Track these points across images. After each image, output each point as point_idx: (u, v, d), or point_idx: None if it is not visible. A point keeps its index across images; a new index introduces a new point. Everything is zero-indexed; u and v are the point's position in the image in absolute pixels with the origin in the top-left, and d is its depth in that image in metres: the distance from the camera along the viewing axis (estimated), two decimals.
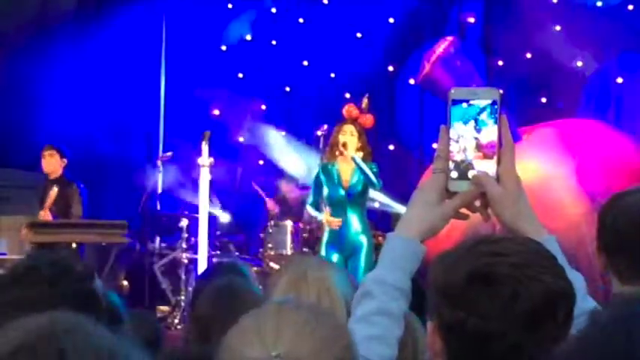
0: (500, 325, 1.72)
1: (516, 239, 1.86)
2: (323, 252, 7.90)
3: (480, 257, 1.77)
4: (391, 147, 11.50)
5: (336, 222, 7.93)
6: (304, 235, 9.94)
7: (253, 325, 1.59)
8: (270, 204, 10.56)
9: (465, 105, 1.96)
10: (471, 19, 11.44)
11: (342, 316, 2.48)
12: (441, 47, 10.32)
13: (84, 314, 2.08)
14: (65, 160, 9.16)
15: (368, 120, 8.26)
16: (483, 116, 1.95)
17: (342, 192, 8.05)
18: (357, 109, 8.32)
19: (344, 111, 8.37)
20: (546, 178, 7.98)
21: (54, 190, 8.92)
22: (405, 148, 11.37)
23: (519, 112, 10.65)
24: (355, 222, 7.98)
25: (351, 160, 7.95)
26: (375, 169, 7.92)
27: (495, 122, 1.95)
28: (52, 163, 9.11)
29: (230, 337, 1.62)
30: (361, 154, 7.98)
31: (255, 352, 1.54)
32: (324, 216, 8.09)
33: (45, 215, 8.97)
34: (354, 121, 8.15)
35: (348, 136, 8.00)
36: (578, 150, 8.18)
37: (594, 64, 10.74)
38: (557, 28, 10.97)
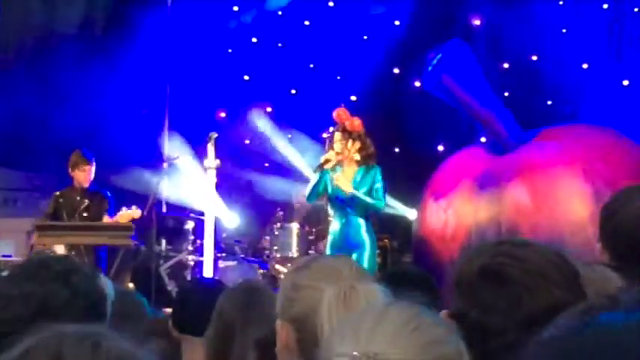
0: (500, 322, 1.76)
1: (541, 248, 1.86)
2: (328, 253, 7.82)
3: (497, 256, 1.81)
4: (396, 149, 11.49)
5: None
6: (310, 237, 9.93)
7: (354, 322, 1.50)
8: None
9: None
10: (477, 22, 11.44)
11: None
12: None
13: (92, 311, 2.11)
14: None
15: (354, 124, 7.90)
16: None
17: (345, 193, 7.89)
18: (344, 112, 7.94)
19: (334, 114, 8.04)
20: (553, 180, 7.96)
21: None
22: (410, 151, 11.36)
23: (525, 114, 10.64)
24: (358, 222, 7.85)
25: (356, 164, 7.83)
26: (378, 185, 7.77)
27: None
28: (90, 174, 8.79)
29: (331, 332, 1.60)
30: (358, 156, 7.81)
31: (344, 347, 1.44)
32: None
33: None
34: (343, 127, 7.88)
35: (338, 145, 7.82)
36: (583, 153, 8.17)
37: (600, 66, 10.74)
38: (564, 30, 10.98)
